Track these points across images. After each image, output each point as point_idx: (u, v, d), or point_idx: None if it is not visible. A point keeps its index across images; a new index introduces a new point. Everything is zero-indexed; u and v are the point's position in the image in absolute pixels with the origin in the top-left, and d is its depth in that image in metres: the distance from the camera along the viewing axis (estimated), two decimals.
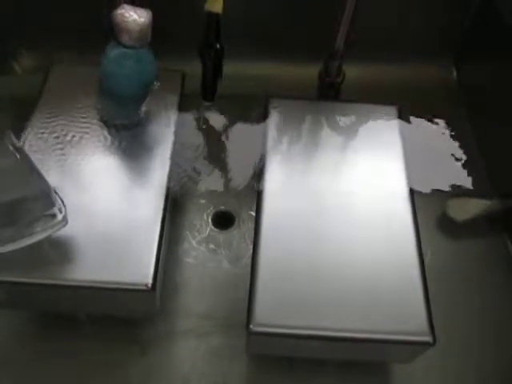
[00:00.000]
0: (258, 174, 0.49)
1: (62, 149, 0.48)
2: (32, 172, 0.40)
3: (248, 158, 0.54)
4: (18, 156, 0.40)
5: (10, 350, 0.47)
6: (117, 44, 0.45)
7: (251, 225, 0.47)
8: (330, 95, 0.62)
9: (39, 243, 0.39)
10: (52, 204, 0.39)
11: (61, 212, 0.39)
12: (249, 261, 0.43)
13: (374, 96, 0.56)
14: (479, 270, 0.53)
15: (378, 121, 0.52)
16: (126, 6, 0.44)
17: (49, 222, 0.39)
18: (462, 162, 0.60)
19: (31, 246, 0.39)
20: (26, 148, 0.47)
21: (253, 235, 0.44)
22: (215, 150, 0.58)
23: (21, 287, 0.41)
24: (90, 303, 0.44)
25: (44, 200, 0.39)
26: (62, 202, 0.40)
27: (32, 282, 0.40)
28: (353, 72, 0.61)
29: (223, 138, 0.60)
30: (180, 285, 0.51)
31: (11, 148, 0.40)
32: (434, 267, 0.45)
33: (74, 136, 0.49)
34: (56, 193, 0.40)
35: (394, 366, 0.47)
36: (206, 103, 0.55)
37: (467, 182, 0.59)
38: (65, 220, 0.39)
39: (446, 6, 0.65)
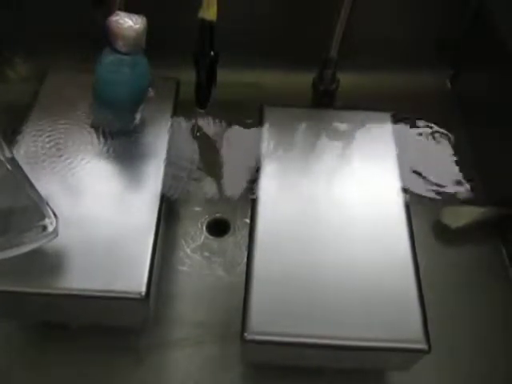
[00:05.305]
0: (253, 182, 0.48)
1: (56, 156, 0.48)
2: (23, 183, 0.40)
3: (243, 165, 0.54)
4: (10, 167, 0.40)
5: (6, 362, 0.47)
6: (111, 50, 0.45)
7: (246, 232, 0.46)
8: (325, 103, 0.62)
9: (31, 252, 0.39)
10: (43, 216, 0.39)
11: (52, 224, 0.39)
12: (244, 268, 0.43)
13: (370, 104, 0.56)
14: (474, 277, 0.53)
15: (373, 128, 0.52)
16: (121, 13, 0.44)
17: (39, 234, 0.39)
18: (457, 169, 0.61)
19: (23, 255, 0.39)
20: (20, 155, 0.47)
21: (248, 243, 0.44)
22: (210, 158, 0.58)
23: (13, 296, 0.41)
24: (82, 312, 0.44)
25: (35, 211, 0.39)
26: (54, 214, 0.39)
27: (24, 291, 0.40)
28: (349, 80, 0.61)
29: (218, 145, 0.59)
30: (174, 293, 0.50)
31: (2, 158, 0.40)
32: (428, 274, 0.45)
33: (68, 143, 0.49)
34: (48, 205, 0.40)
35: (390, 374, 0.47)
36: (201, 110, 0.55)
37: (462, 189, 0.59)
38: (55, 232, 0.39)
39: (442, 16, 0.66)
